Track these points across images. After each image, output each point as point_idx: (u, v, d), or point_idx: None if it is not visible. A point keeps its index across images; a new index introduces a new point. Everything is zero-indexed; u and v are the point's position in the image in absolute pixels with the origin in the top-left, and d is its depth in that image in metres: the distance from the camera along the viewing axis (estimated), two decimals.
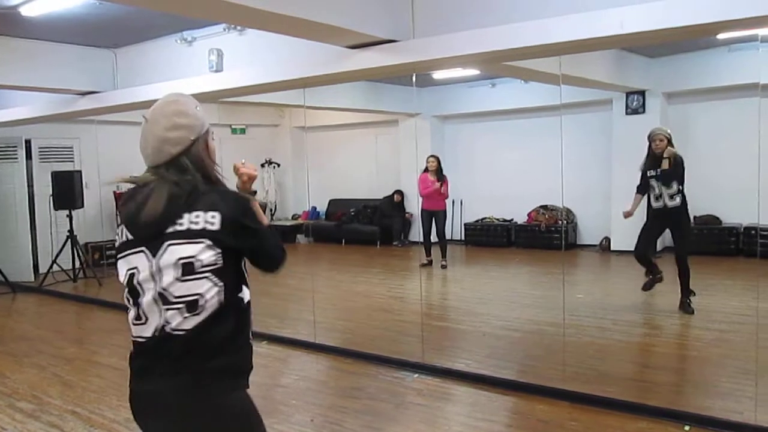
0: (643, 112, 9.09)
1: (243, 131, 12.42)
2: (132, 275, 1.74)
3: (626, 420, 3.72)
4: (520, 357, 5.12)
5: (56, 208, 8.58)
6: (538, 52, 4.29)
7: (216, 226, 1.71)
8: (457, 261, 10.24)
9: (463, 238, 11.13)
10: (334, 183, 12.44)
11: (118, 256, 1.80)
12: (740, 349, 4.97)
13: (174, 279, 1.69)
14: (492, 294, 7.38)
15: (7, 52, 6.27)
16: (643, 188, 6.10)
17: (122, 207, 1.82)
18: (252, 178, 2.00)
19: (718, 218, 8.91)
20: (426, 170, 8.74)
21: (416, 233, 9.57)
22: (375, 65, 4.68)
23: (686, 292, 5.97)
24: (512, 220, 10.73)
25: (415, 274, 8.73)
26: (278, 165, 12.93)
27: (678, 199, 5.87)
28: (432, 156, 8.83)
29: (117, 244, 1.80)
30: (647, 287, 6.21)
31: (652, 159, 6.00)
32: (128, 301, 1.77)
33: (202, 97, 7.04)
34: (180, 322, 1.70)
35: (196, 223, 1.70)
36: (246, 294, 1.86)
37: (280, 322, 6.42)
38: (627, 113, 9.20)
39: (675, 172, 5.83)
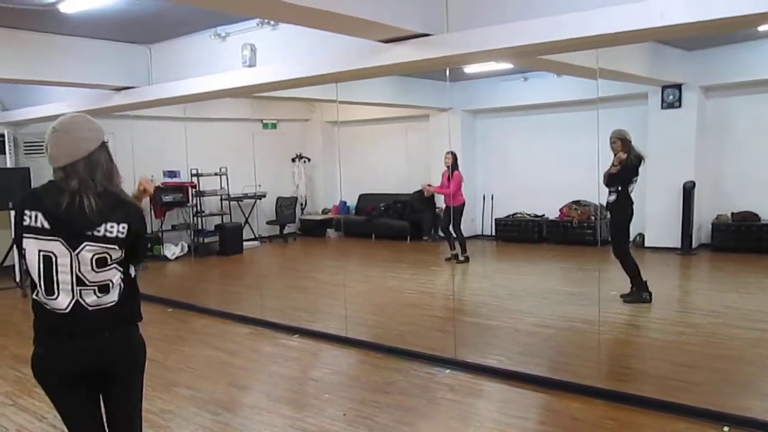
0: (680, 106, 8.92)
1: (274, 126, 12.50)
2: (48, 258, 2.19)
3: (663, 420, 3.65)
4: (553, 354, 5.07)
5: None
6: (576, 45, 4.22)
7: (124, 235, 2.25)
8: (488, 256, 10.19)
9: (493, 233, 11.07)
10: (364, 178, 12.45)
11: (26, 234, 2.20)
12: None
13: (90, 269, 2.21)
14: (523, 290, 7.32)
15: (45, 48, 6.39)
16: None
17: (42, 199, 2.21)
18: (147, 193, 2.53)
19: (756, 215, 8.71)
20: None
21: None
22: (408, 59, 4.66)
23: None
24: (543, 215, 10.63)
25: (445, 269, 8.70)
26: (308, 159, 13.00)
27: (614, 196, 6.18)
28: (448, 152, 8.77)
29: (25, 224, 2.19)
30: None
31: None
32: (39, 276, 2.20)
33: (236, 92, 7.13)
34: (94, 300, 2.23)
35: (111, 231, 2.23)
36: (132, 270, 2.39)
37: (311, 315, 6.45)
38: (663, 107, 9.03)
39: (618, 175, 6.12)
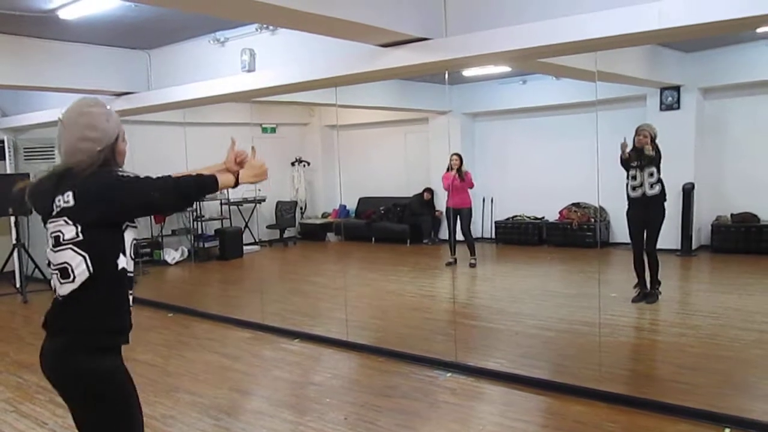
0: (678, 108, 8.93)
1: (273, 130, 12.50)
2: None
3: (665, 422, 3.65)
4: (554, 357, 5.07)
5: None
6: (574, 48, 4.22)
7: (70, 203, 1.92)
8: (488, 259, 10.18)
9: (493, 236, 11.06)
10: (364, 181, 12.45)
11: None
12: None
13: (50, 248, 1.96)
14: (524, 293, 7.32)
15: (45, 54, 6.40)
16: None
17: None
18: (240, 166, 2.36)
19: (756, 216, 8.72)
20: (449, 169, 8.63)
21: (446, 231, 9.48)
22: (407, 63, 4.66)
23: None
24: (543, 218, 10.63)
25: (445, 272, 8.70)
26: (308, 163, 13.00)
27: (657, 188, 6.18)
28: (455, 154, 8.68)
29: None
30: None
31: (635, 152, 6.24)
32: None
33: (235, 97, 7.14)
34: (59, 287, 1.95)
35: (59, 204, 1.93)
36: (122, 261, 1.99)
37: (311, 320, 6.45)
38: (661, 109, 9.03)
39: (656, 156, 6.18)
